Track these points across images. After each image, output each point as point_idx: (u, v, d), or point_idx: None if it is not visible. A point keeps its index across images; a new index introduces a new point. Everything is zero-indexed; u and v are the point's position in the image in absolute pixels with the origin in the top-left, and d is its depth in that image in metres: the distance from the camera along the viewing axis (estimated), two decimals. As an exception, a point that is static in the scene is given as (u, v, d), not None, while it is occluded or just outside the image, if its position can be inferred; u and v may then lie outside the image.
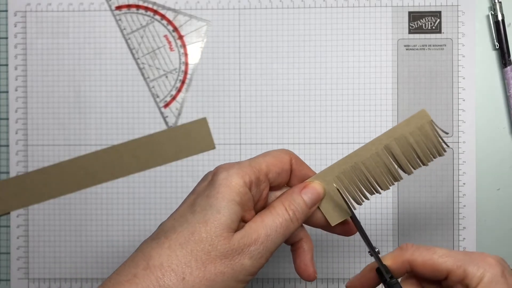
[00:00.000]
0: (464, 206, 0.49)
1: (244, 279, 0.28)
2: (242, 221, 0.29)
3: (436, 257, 0.30)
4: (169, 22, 0.50)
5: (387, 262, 0.31)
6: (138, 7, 0.50)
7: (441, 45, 0.49)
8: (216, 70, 0.50)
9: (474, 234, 0.49)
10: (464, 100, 0.49)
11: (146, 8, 0.50)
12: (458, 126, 0.49)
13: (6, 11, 0.50)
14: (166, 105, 0.50)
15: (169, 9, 0.50)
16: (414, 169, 0.32)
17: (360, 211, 0.49)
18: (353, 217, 0.33)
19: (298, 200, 0.30)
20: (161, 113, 0.50)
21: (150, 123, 0.50)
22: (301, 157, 0.49)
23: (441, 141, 0.31)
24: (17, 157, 0.50)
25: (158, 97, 0.50)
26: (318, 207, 0.32)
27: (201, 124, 0.49)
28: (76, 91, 0.50)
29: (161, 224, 0.30)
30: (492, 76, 0.49)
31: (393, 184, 0.32)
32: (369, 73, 0.49)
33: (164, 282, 0.26)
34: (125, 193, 0.50)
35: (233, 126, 0.49)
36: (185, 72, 0.50)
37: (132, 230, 0.50)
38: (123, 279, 0.27)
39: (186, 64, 0.50)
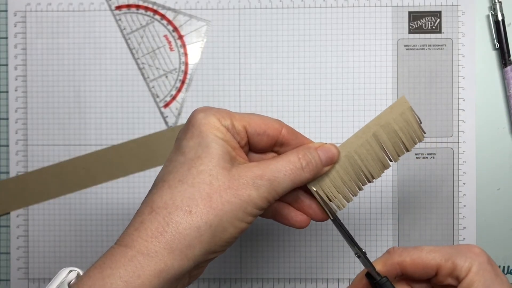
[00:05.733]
0: (464, 206, 0.49)
1: (252, 212, 0.27)
2: (239, 158, 0.29)
3: (424, 254, 0.30)
4: (169, 22, 0.50)
5: (377, 267, 0.31)
6: (138, 7, 0.50)
7: (441, 45, 0.49)
8: (216, 70, 0.50)
9: (474, 234, 0.49)
10: (464, 100, 0.49)
11: (146, 8, 0.50)
12: (458, 126, 0.49)
13: (6, 11, 0.50)
14: (166, 105, 0.50)
15: (169, 9, 0.50)
16: (399, 156, 0.33)
17: (360, 211, 0.49)
18: (335, 219, 0.32)
19: (313, 153, 0.30)
20: (161, 113, 0.50)
21: (150, 123, 0.50)
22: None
23: (420, 126, 0.32)
24: (17, 157, 0.50)
25: (158, 97, 0.50)
26: (317, 192, 0.32)
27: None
28: (76, 91, 0.50)
29: (155, 179, 0.29)
30: (492, 76, 0.49)
31: (383, 172, 0.33)
32: (369, 73, 0.49)
33: (172, 220, 0.25)
34: (125, 193, 0.50)
35: (233, 126, 0.49)
36: (185, 72, 0.50)
37: (132, 230, 0.50)
38: (131, 229, 0.26)
39: (186, 64, 0.50)
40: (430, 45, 0.49)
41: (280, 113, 0.49)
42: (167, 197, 0.26)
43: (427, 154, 0.49)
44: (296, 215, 0.32)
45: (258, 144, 0.30)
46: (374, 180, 0.33)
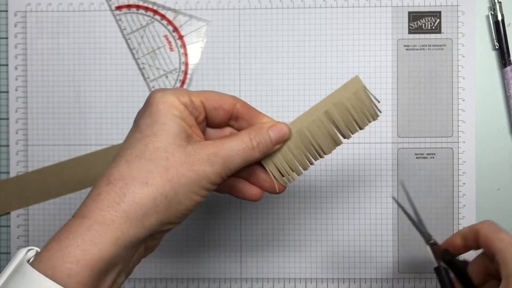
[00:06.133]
0: (464, 206, 0.49)
1: (206, 186, 0.29)
2: (195, 136, 0.30)
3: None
4: (169, 22, 0.50)
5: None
6: (138, 7, 0.50)
7: (441, 45, 0.49)
8: (216, 70, 0.50)
9: (474, 234, 0.49)
10: (464, 100, 0.49)
11: (146, 8, 0.50)
12: (458, 126, 0.49)
13: (6, 11, 0.50)
14: (166, 105, 0.50)
15: (169, 9, 0.50)
16: (352, 133, 0.34)
17: (360, 211, 0.49)
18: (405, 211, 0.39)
19: (264, 134, 0.31)
20: (161, 113, 0.50)
21: (150, 123, 0.50)
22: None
23: (374, 105, 0.33)
24: (17, 157, 0.50)
25: (158, 97, 0.50)
26: (267, 167, 0.33)
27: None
28: (76, 91, 0.50)
29: (112, 159, 0.30)
30: (492, 76, 0.49)
31: (334, 148, 0.34)
32: (369, 73, 0.49)
33: (128, 190, 0.27)
34: (125, 193, 0.50)
35: (233, 126, 0.49)
36: (185, 72, 0.50)
37: (132, 230, 0.50)
38: (89, 201, 0.27)
39: (186, 64, 0.50)
40: (430, 45, 0.49)
41: (280, 113, 0.49)
42: (124, 170, 0.27)
43: (427, 154, 0.49)
44: (250, 189, 0.33)
45: (215, 118, 0.32)
46: (325, 155, 0.34)
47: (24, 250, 0.27)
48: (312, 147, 0.34)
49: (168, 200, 0.27)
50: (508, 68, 0.48)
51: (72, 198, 0.50)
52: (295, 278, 0.49)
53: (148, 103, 0.30)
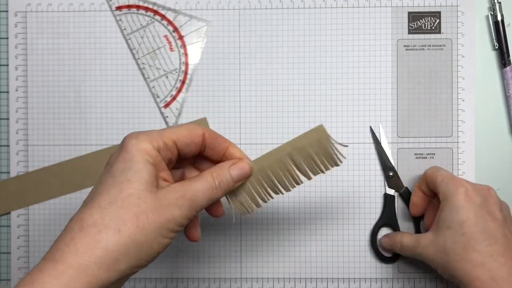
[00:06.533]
0: (464, 206, 0.49)
1: (174, 228, 0.31)
2: (164, 181, 0.32)
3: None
4: (169, 22, 0.50)
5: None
6: (138, 7, 0.50)
7: (440, 45, 0.49)
8: (216, 70, 0.50)
9: (474, 234, 0.49)
10: (463, 100, 0.49)
11: (146, 9, 0.50)
12: (458, 126, 0.49)
13: (7, 11, 0.50)
14: (167, 105, 0.50)
15: (169, 9, 0.50)
16: (314, 175, 0.36)
17: (360, 211, 0.49)
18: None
19: (225, 172, 0.33)
20: (161, 113, 0.50)
21: (151, 123, 0.50)
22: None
23: (337, 153, 0.35)
24: (17, 157, 0.50)
25: (158, 97, 0.50)
26: (229, 199, 0.36)
27: (202, 124, 0.49)
28: (76, 91, 0.50)
29: (85, 199, 0.31)
30: (492, 76, 0.49)
31: (294, 186, 0.36)
32: (369, 73, 0.49)
33: (101, 237, 0.28)
34: (125, 193, 0.50)
35: (233, 126, 0.49)
36: (185, 72, 0.50)
37: (132, 230, 0.50)
38: (61, 245, 0.28)
39: (186, 64, 0.50)
40: (430, 46, 0.49)
41: (280, 113, 0.49)
42: (97, 216, 0.28)
43: (427, 154, 0.49)
44: (214, 211, 0.36)
45: (188, 154, 0.34)
46: (285, 192, 0.37)
47: None
48: (273, 184, 0.36)
49: (139, 246, 0.29)
50: (508, 68, 0.48)
51: (72, 198, 0.50)
52: (295, 278, 0.49)
53: (122, 148, 0.31)
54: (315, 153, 0.35)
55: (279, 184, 0.36)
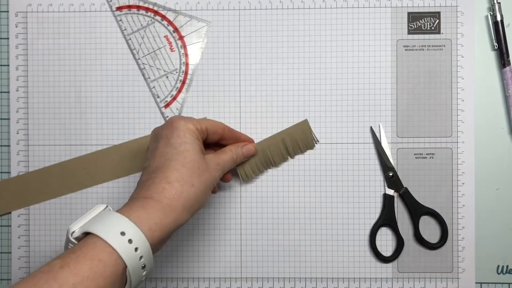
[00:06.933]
0: (463, 205, 0.49)
1: (214, 184, 0.42)
2: (204, 153, 0.42)
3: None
4: (170, 22, 0.50)
5: None
6: (138, 7, 0.50)
7: (440, 46, 0.49)
8: (216, 70, 0.50)
9: (473, 234, 0.49)
10: (463, 101, 0.49)
11: (147, 9, 0.50)
12: (457, 126, 0.49)
13: (7, 11, 0.50)
14: (167, 105, 0.50)
15: (169, 9, 0.50)
16: (296, 154, 0.50)
17: (360, 211, 0.49)
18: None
19: (239, 150, 0.46)
20: (162, 113, 0.50)
21: (151, 123, 0.50)
22: (301, 157, 0.49)
23: (314, 140, 0.49)
24: (18, 157, 0.50)
25: (158, 97, 0.50)
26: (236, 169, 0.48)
27: None
28: (76, 91, 0.50)
29: (151, 164, 0.40)
30: (491, 76, 0.49)
31: (283, 162, 0.50)
32: (369, 74, 0.49)
33: (184, 189, 0.38)
34: (125, 193, 0.50)
35: (233, 126, 0.49)
36: (186, 73, 0.50)
37: (132, 229, 0.50)
38: (156, 191, 0.37)
39: (187, 64, 0.50)
40: (429, 46, 0.49)
41: (280, 113, 0.50)
42: (177, 175, 0.38)
43: (426, 154, 0.49)
44: (224, 178, 0.48)
45: (212, 140, 0.44)
46: (277, 166, 0.50)
47: (102, 206, 0.36)
48: (269, 161, 0.49)
49: (202, 196, 0.39)
50: (507, 68, 0.48)
51: (72, 198, 0.50)
52: (295, 278, 0.49)
53: (173, 127, 0.40)
54: (299, 139, 0.49)
55: (274, 160, 0.49)
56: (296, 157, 0.49)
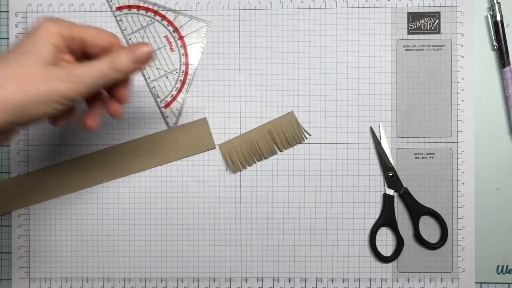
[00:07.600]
0: (463, 205, 0.49)
1: (59, 100, 0.34)
2: (67, 63, 0.36)
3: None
4: (170, 22, 0.50)
5: None
6: (138, 7, 0.50)
7: (440, 46, 0.49)
8: (216, 70, 0.50)
9: (473, 234, 0.49)
10: (463, 101, 0.49)
11: (147, 9, 0.50)
12: (457, 126, 0.49)
13: (7, 11, 0.50)
14: (167, 105, 0.50)
15: (169, 9, 0.50)
16: (285, 148, 0.49)
17: (360, 210, 0.49)
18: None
19: (122, 55, 0.35)
20: (162, 113, 0.50)
21: (151, 123, 0.50)
22: (301, 157, 0.49)
23: (303, 132, 0.49)
24: (18, 157, 0.50)
25: (158, 97, 0.50)
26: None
27: (202, 124, 0.50)
28: (77, 91, 0.50)
29: None
30: (491, 76, 0.49)
31: (271, 155, 0.49)
32: (368, 74, 0.49)
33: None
34: (125, 193, 0.50)
35: (233, 126, 0.50)
36: (186, 72, 0.50)
37: (132, 229, 0.50)
38: None
39: (187, 64, 0.50)
40: (429, 46, 0.49)
41: (280, 113, 0.50)
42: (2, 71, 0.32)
43: (426, 154, 0.49)
44: (114, 107, 0.39)
45: (93, 53, 0.36)
46: (264, 158, 0.49)
47: None
48: (257, 152, 0.49)
49: (17, 105, 0.32)
50: (507, 68, 0.48)
51: (73, 197, 0.50)
52: (295, 278, 0.49)
53: (32, 27, 0.34)
54: (286, 131, 0.49)
55: (261, 152, 0.49)
56: (296, 157, 0.49)
